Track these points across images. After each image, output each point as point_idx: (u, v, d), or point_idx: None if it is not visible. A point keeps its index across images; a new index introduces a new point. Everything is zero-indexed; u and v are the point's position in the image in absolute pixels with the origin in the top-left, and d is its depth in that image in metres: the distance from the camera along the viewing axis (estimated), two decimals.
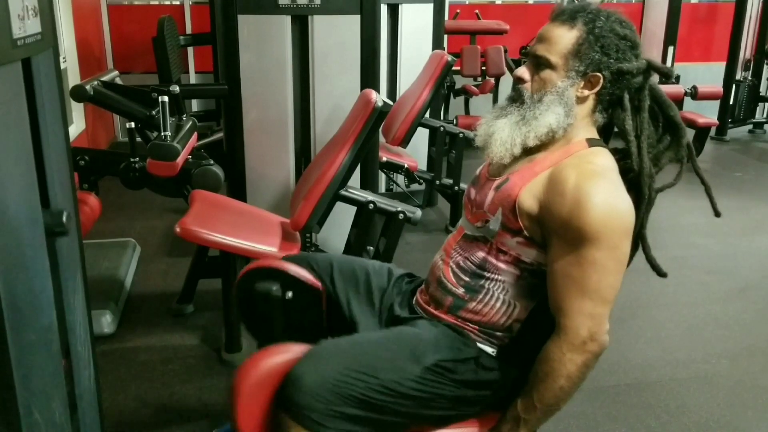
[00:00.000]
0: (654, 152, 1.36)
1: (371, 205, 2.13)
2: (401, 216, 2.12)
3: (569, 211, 1.21)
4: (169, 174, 2.15)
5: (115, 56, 5.46)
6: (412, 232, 3.62)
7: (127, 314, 2.75)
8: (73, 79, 4.44)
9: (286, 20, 2.50)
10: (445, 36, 4.56)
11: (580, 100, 1.33)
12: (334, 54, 2.56)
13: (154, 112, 2.60)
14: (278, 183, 2.67)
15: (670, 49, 5.75)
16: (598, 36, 1.29)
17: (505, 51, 5.45)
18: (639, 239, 1.38)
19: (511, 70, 5.34)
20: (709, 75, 6.27)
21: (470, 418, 1.38)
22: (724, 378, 2.42)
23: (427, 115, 3.57)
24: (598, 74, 1.30)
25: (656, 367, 2.48)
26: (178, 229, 2.00)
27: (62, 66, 4.27)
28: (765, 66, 6.35)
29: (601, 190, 1.21)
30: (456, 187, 3.68)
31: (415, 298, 1.52)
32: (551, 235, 1.27)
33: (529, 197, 1.29)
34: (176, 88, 2.57)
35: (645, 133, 1.34)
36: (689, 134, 1.42)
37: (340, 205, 2.13)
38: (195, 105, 5.40)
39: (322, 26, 2.51)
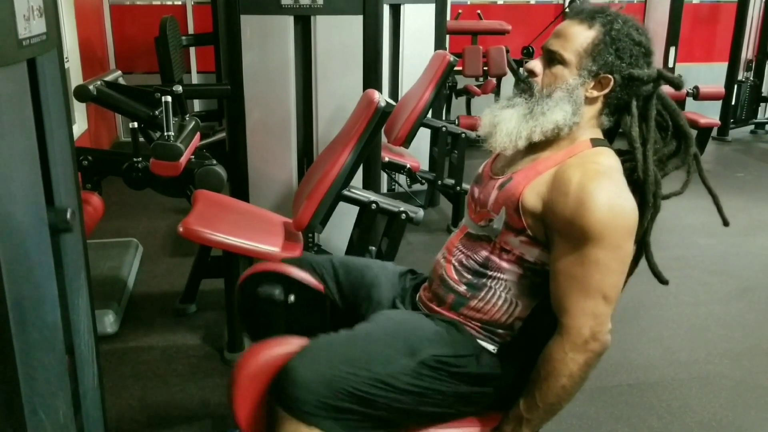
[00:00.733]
0: (659, 156, 1.36)
1: (374, 205, 2.13)
2: (404, 216, 2.12)
3: (573, 210, 1.22)
4: (172, 174, 2.15)
5: (117, 56, 5.47)
6: (414, 232, 3.62)
7: (130, 314, 2.75)
8: (75, 79, 4.43)
9: (289, 20, 2.50)
10: (447, 36, 4.56)
11: (589, 100, 1.33)
12: (337, 54, 2.56)
13: (157, 112, 2.60)
14: (281, 183, 2.68)
15: (672, 49, 5.74)
16: (614, 39, 1.30)
17: (507, 51, 5.45)
18: (642, 246, 1.38)
19: (512, 71, 5.36)
20: (711, 75, 6.27)
21: (469, 417, 1.38)
22: (727, 378, 2.42)
23: (429, 115, 3.57)
24: (609, 76, 1.31)
25: (658, 367, 2.48)
26: (181, 229, 2.00)
27: (65, 66, 4.27)
28: (767, 66, 6.34)
29: (604, 190, 1.22)
30: (458, 188, 3.67)
31: (417, 295, 1.53)
32: (554, 235, 1.27)
33: (532, 196, 1.29)
34: (179, 88, 2.57)
35: (651, 141, 1.34)
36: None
37: (342, 205, 2.13)
38: (197, 105, 5.40)
39: (324, 26, 2.52)
